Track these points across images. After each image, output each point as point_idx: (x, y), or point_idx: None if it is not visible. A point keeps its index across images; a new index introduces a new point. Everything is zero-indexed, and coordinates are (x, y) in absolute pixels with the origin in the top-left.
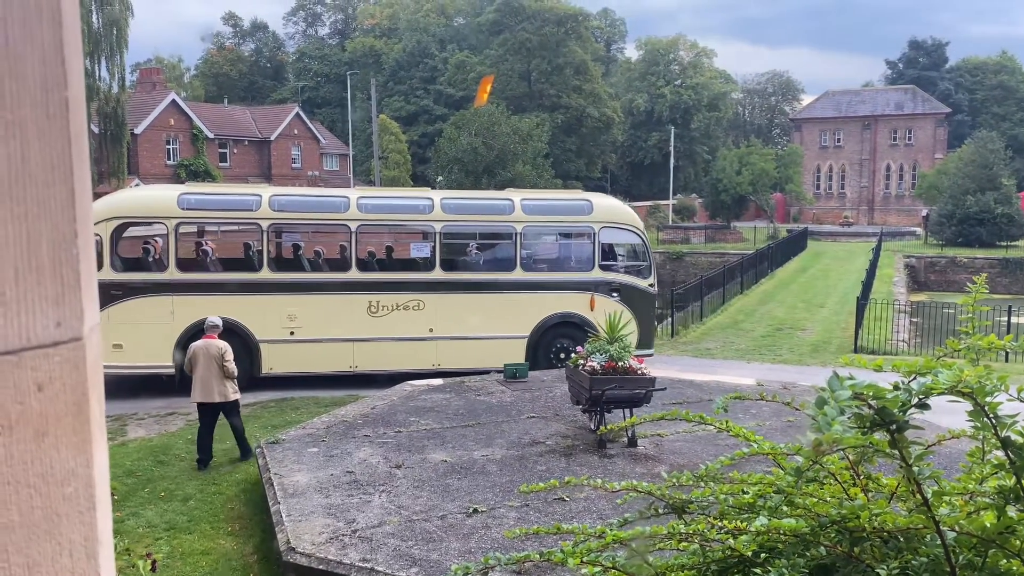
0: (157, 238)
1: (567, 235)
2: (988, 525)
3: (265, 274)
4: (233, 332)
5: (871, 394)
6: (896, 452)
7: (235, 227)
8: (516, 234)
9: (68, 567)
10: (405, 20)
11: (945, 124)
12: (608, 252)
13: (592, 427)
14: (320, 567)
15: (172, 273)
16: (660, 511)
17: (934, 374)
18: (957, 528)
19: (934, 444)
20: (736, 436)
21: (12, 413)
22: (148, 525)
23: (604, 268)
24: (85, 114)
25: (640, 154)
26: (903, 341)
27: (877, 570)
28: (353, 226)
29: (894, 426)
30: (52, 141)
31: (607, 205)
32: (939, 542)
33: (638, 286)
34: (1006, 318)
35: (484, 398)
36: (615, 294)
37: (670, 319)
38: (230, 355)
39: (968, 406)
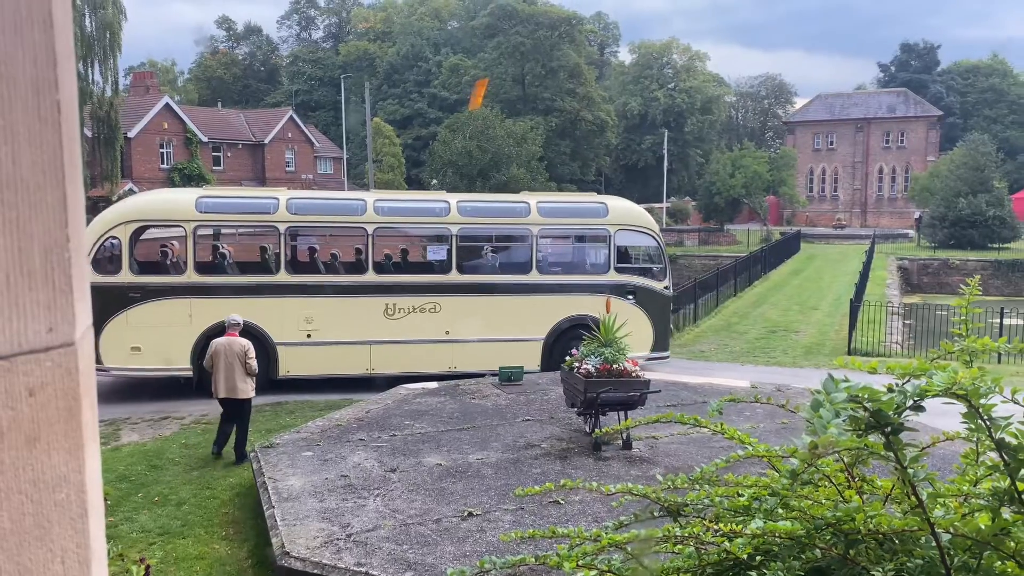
0: (174, 241)
1: (583, 238)
2: (983, 527)
3: (283, 277)
4: (251, 334)
5: (866, 396)
6: (891, 454)
7: (252, 230)
8: (532, 237)
9: (60, 574)
10: (399, 24)
11: (937, 127)
12: (623, 254)
13: (587, 430)
14: (315, 571)
15: (190, 276)
16: (655, 514)
17: (928, 376)
18: (952, 530)
19: (929, 446)
20: (731, 438)
21: (3, 419)
22: (142, 530)
23: (620, 270)
24: (77, 118)
25: (634, 157)
26: (897, 343)
27: (872, 572)
28: (370, 229)
29: (889, 428)
30: (44, 145)
31: (623, 208)
32: (934, 544)
33: (654, 288)
34: (999, 320)
35: (479, 401)
36: (631, 296)
37: None
38: (252, 352)
39: (962, 408)
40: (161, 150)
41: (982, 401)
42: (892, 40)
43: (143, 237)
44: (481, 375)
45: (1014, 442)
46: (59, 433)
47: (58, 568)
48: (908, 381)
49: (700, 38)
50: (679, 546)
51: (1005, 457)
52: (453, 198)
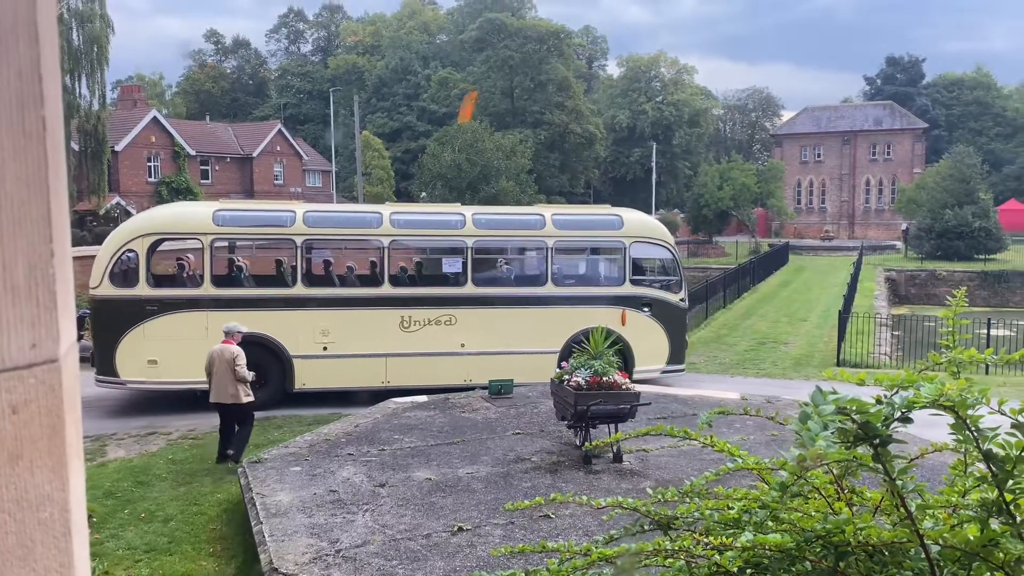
0: (189, 254)
1: (598, 250)
2: (972, 538)
3: (299, 289)
4: (267, 347)
5: (854, 408)
6: (880, 466)
7: (268, 243)
8: (547, 249)
9: None
10: (388, 37)
11: (923, 139)
12: (639, 267)
13: (577, 443)
14: None
15: (207, 289)
16: (646, 527)
17: (916, 388)
18: (941, 541)
19: (917, 457)
20: (721, 451)
21: None
22: (128, 547)
23: (635, 283)
24: (63, 132)
25: (622, 170)
26: (885, 354)
27: None
28: (386, 241)
29: (877, 440)
30: (28, 160)
31: (638, 220)
32: (923, 555)
33: (669, 301)
34: (986, 331)
35: (469, 415)
36: (646, 309)
37: None
38: (242, 360)
39: (950, 419)
40: (149, 163)
41: (969, 412)
42: (878, 53)
43: (159, 251)
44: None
45: (1001, 453)
46: (42, 451)
47: None
48: (896, 393)
49: (686, 51)
50: (669, 560)
51: (993, 468)
52: (469, 210)
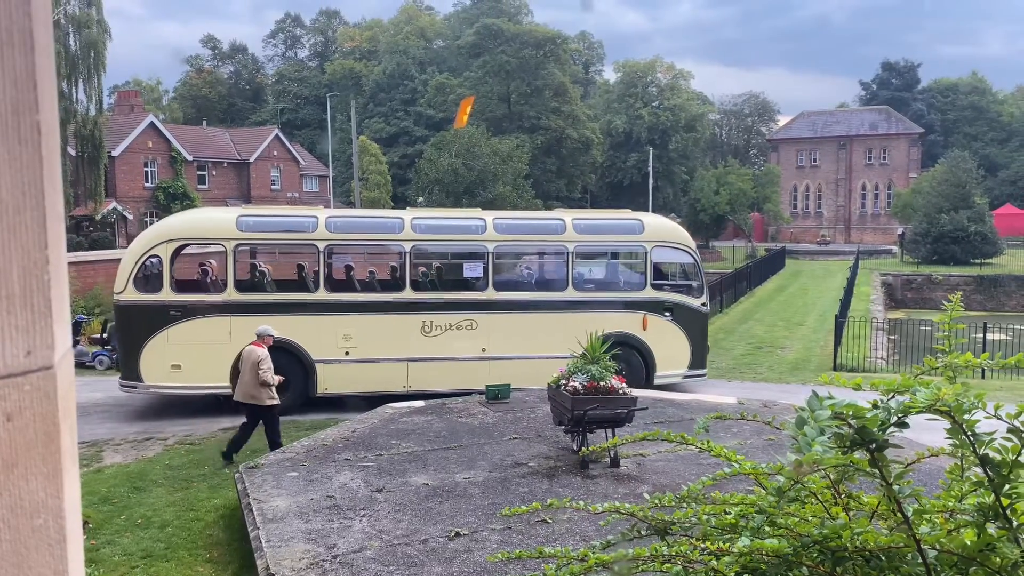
0: (212, 259)
1: (619, 255)
2: (968, 543)
3: (321, 294)
4: (290, 352)
5: (851, 413)
6: (876, 471)
7: (289, 248)
8: (568, 254)
9: None
10: (385, 42)
11: (918, 144)
12: (660, 271)
13: (574, 448)
14: None
15: (231, 294)
16: (643, 532)
17: (912, 392)
18: (938, 546)
19: (914, 462)
20: (717, 456)
21: None
22: (124, 553)
23: (656, 287)
24: (58, 139)
25: (619, 175)
26: (881, 358)
27: None
28: (407, 246)
29: (874, 445)
30: (23, 166)
31: (659, 224)
32: (920, 560)
33: (691, 305)
34: (982, 335)
35: (466, 420)
36: (668, 313)
37: None
38: (266, 364)
39: (946, 423)
40: (146, 169)
41: (966, 417)
42: (873, 58)
43: (180, 257)
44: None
45: (998, 457)
46: (37, 458)
47: None
48: (892, 397)
49: (682, 56)
50: (666, 565)
51: (989, 473)
52: (489, 215)
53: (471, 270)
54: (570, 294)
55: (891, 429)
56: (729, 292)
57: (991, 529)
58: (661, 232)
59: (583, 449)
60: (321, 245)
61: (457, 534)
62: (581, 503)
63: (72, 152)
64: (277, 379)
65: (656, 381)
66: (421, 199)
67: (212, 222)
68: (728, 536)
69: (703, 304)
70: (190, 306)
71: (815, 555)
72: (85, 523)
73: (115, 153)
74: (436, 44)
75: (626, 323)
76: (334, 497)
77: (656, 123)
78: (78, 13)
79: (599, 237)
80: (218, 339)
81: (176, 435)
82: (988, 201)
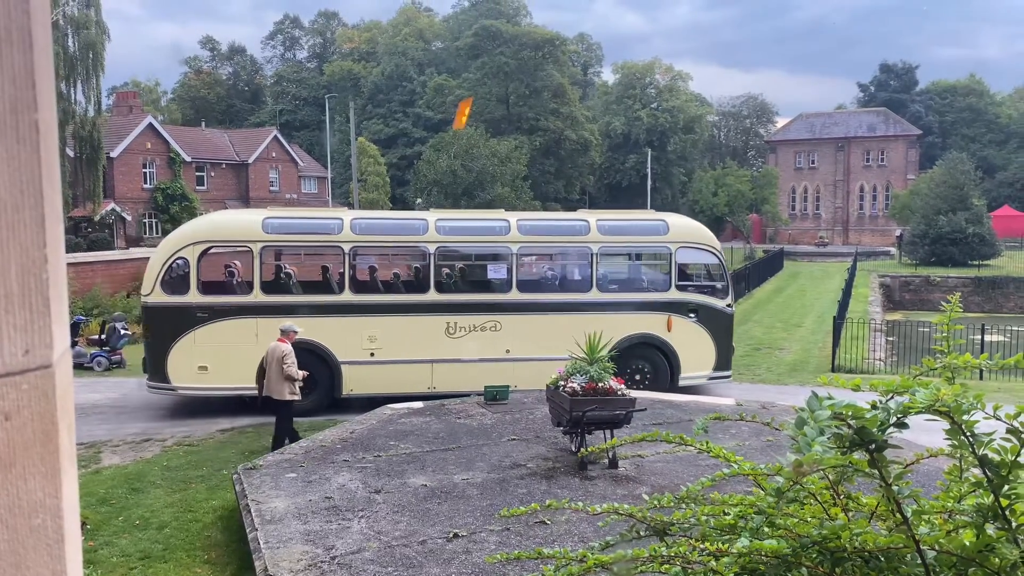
0: (237, 261)
1: (643, 256)
2: (967, 543)
3: (347, 296)
4: (315, 353)
5: (850, 414)
6: (875, 471)
7: (314, 250)
8: (592, 255)
9: None
10: (383, 44)
11: (916, 146)
12: (684, 272)
13: (573, 449)
14: None
15: (257, 296)
16: (641, 533)
17: (911, 393)
18: (937, 547)
19: (913, 463)
20: (716, 457)
21: None
22: (122, 554)
23: (681, 288)
24: (57, 138)
25: (618, 176)
26: (880, 360)
27: None
28: (431, 248)
29: (873, 446)
30: (22, 165)
31: (683, 225)
32: (920, 561)
33: (716, 306)
34: (980, 336)
35: (464, 421)
36: (692, 315)
37: None
38: (290, 359)
39: (945, 424)
40: (144, 170)
41: (964, 418)
42: (871, 60)
43: (205, 259)
44: None
45: (997, 458)
46: (35, 458)
47: None
48: (891, 398)
49: (680, 58)
50: (665, 566)
51: (988, 473)
52: (513, 217)
53: (495, 271)
54: (594, 295)
55: (890, 430)
56: None
57: (990, 530)
58: (686, 233)
59: (582, 450)
60: (346, 247)
61: (455, 535)
62: (580, 504)
63: (71, 153)
64: (302, 374)
65: (681, 383)
66: (419, 200)
67: (238, 224)
68: (727, 537)
69: (728, 305)
70: (217, 308)
71: (814, 556)
72: (83, 524)
73: (114, 154)
74: (435, 45)
75: (651, 324)
76: (332, 498)
77: (654, 124)
78: (77, 14)
79: (623, 238)
80: (244, 340)
81: (174, 436)
82: (986, 203)
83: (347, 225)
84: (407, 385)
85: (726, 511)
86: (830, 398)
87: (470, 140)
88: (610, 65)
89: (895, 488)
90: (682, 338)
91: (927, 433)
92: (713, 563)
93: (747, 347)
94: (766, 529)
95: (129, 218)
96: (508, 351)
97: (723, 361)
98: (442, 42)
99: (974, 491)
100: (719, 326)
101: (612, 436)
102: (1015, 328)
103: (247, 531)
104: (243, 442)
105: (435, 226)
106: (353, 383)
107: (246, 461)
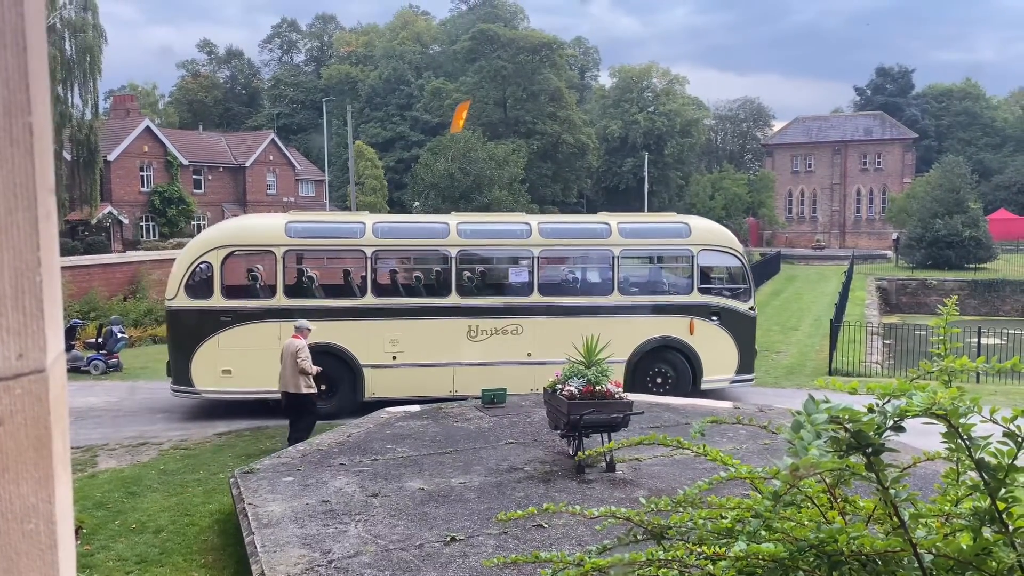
0: (260, 265)
1: (665, 258)
2: (965, 547)
3: (369, 300)
4: (338, 357)
5: (847, 417)
6: (873, 475)
7: (336, 254)
8: (613, 258)
9: None
10: (381, 47)
11: (913, 149)
12: (707, 275)
13: (570, 452)
14: None
15: (280, 300)
16: (639, 537)
17: (908, 396)
18: (934, 550)
19: (910, 466)
20: (713, 460)
21: None
22: (118, 558)
23: (703, 291)
24: (51, 140)
25: (615, 179)
26: (876, 363)
27: None
28: (453, 251)
29: (870, 449)
30: (15, 167)
31: (705, 227)
32: (917, 565)
33: (738, 310)
34: (976, 339)
35: (462, 424)
36: (715, 318)
37: None
38: (304, 353)
39: (942, 428)
40: (141, 173)
41: (961, 421)
42: (867, 64)
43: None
44: None
45: (994, 461)
46: (28, 462)
47: None
48: (888, 401)
49: (676, 62)
50: (663, 570)
51: (985, 477)
52: (534, 220)
53: (516, 275)
54: (616, 298)
55: (887, 433)
56: None
57: (987, 533)
58: (708, 235)
59: (579, 453)
60: (369, 251)
61: (453, 539)
62: (577, 507)
63: (67, 156)
64: (315, 369)
65: (703, 386)
66: (417, 204)
67: (262, 229)
68: (724, 540)
69: (751, 308)
70: (240, 312)
71: (811, 559)
72: (79, 528)
73: (111, 157)
74: (432, 49)
75: (673, 327)
76: (329, 502)
77: (652, 128)
78: (74, 17)
79: (645, 241)
80: (268, 344)
81: (171, 440)
82: (982, 206)
83: (369, 229)
84: (429, 388)
85: (723, 515)
86: (827, 401)
87: (467, 143)
88: (607, 69)
89: (892, 492)
90: (704, 341)
91: (924, 436)
92: (710, 567)
93: None
94: (763, 533)
95: (126, 221)
96: (529, 354)
97: (746, 364)
98: (439, 46)
99: (971, 494)
100: (742, 329)
101: (609, 439)
102: (1012, 331)
103: (244, 535)
104: (240, 446)
105: (456, 229)
106: (375, 387)
107: (243, 465)
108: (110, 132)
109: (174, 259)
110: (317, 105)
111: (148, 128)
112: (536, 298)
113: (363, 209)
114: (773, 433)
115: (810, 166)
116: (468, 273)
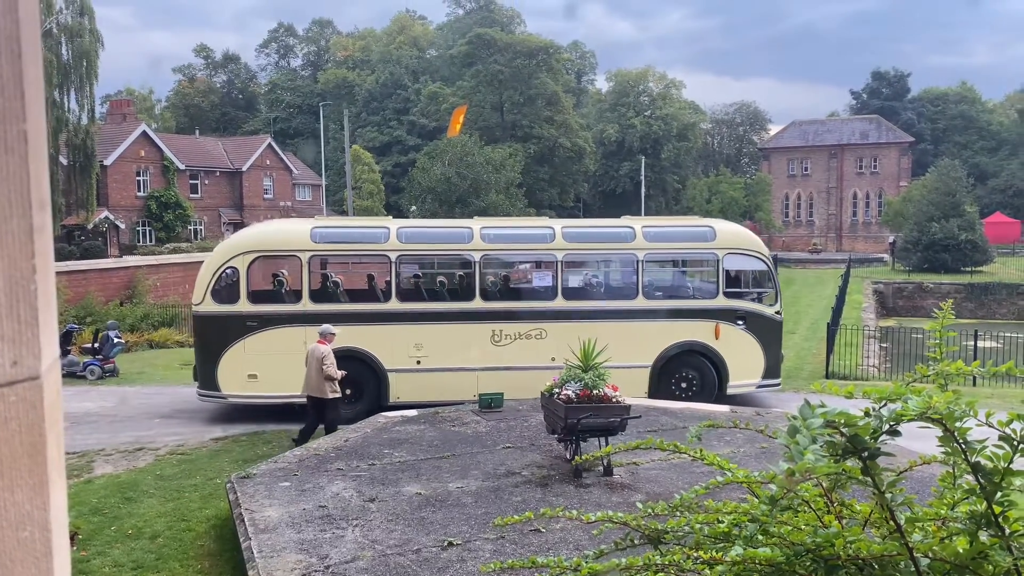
0: (284, 270)
1: (689, 262)
2: (961, 551)
3: (393, 304)
4: (363, 361)
5: (843, 422)
6: (869, 479)
7: (360, 259)
8: (638, 262)
9: None
10: (378, 52)
11: (909, 153)
12: (732, 279)
13: (568, 456)
14: None
15: (305, 304)
16: (636, 542)
17: (904, 400)
18: (931, 554)
19: (906, 470)
20: (710, 464)
21: None
22: (115, 564)
23: (729, 295)
24: (45, 147)
25: (612, 183)
26: (873, 366)
27: None
28: (476, 256)
29: (866, 453)
30: (10, 175)
31: (731, 231)
32: (913, 568)
33: (764, 314)
34: (972, 343)
35: (459, 429)
36: (741, 322)
37: None
38: (329, 360)
39: (938, 431)
40: (138, 178)
41: (957, 425)
42: (862, 68)
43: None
44: None
45: (989, 465)
46: (23, 469)
47: None
48: (884, 405)
49: (672, 66)
50: (660, 574)
51: (981, 480)
52: (558, 224)
53: (540, 279)
54: (640, 303)
55: (883, 437)
56: None
57: (983, 537)
58: (733, 239)
59: (576, 458)
60: (393, 256)
61: (450, 544)
62: (574, 512)
63: (64, 161)
64: (340, 373)
65: (729, 391)
66: (414, 208)
67: (287, 234)
68: (721, 545)
69: (777, 312)
70: (266, 317)
71: (808, 564)
72: (75, 534)
73: (107, 162)
74: (429, 53)
75: (698, 332)
76: (326, 507)
77: (648, 132)
78: (71, 22)
79: (670, 245)
80: (293, 349)
81: (167, 445)
82: (978, 209)
83: (393, 234)
84: (453, 393)
85: (720, 519)
86: (823, 405)
87: (464, 147)
88: (603, 73)
89: (888, 495)
90: (730, 346)
91: (920, 440)
92: (707, 571)
93: None
94: (760, 537)
95: (122, 226)
96: (553, 359)
97: (772, 369)
98: (436, 50)
99: (967, 498)
100: (768, 333)
101: (607, 444)
102: (1008, 334)
103: (241, 540)
104: (237, 451)
105: (480, 234)
106: (400, 391)
107: (240, 470)
108: (106, 137)
109: (170, 264)
110: (314, 109)
111: (144, 133)
112: (560, 302)
113: (360, 213)
114: (770, 437)
115: (806, 170)
116: (492, 277)
